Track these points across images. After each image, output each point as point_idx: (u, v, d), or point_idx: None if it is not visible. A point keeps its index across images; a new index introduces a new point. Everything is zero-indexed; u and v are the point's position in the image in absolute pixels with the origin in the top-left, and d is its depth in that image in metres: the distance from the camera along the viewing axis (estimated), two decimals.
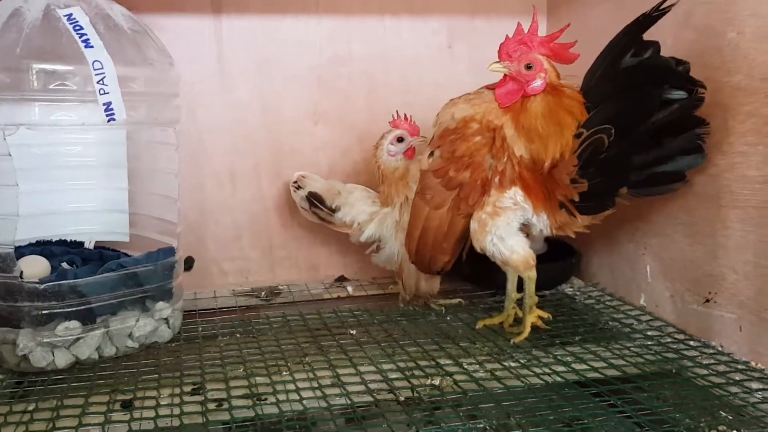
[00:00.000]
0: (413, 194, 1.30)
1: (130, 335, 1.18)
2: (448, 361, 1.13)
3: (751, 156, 1.07)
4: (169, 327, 1.23)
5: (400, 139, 1.39)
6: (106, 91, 1.09)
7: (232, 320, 1.36)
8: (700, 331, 1.20)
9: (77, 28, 1.10)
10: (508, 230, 1.21)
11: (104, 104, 1.09)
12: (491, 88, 1.22)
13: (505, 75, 1.18)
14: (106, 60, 1.10)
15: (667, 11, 1.07)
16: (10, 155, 1.09)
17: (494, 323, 1.30)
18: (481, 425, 0.93)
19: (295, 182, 1.48)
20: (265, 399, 1.01)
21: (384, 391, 1.04)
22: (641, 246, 1.34)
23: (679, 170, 1.12)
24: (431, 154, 1.27)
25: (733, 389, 1.01)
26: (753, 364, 1.08)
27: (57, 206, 1.35)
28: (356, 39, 1.58)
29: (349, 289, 1.56)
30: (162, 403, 1.00)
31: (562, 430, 0.91)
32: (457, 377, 1.07)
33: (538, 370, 1.09)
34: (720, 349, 1.15)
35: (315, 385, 1.05)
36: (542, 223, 1.22)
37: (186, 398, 1.02)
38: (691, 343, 1.18)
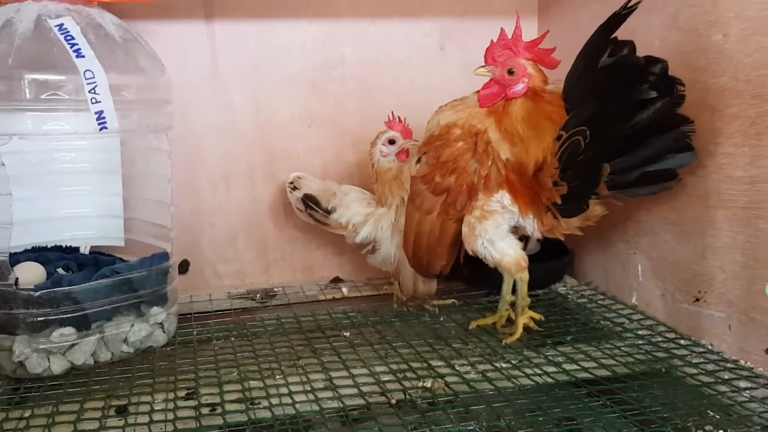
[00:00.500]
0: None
1: (125, 340, 1.19)
2: (440, 363, 1.14)
3: (737, 157, 1.08)
4: (164, 331, 1.25)
5: (392, 141, 1.39)
6: (97, 100, 1.10)
7: (227, 323, 1.37)
8: (691, 329, 1.21)
9: (68, 38, 1.11)
10: (498, 233, 1.22)
11: (96, 113, 1.10)
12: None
13: (490, 78, 1.19)
14: (97, 69, 1.10)
15: (634, 9, 1.03)
16: (3, 165, 1.10)
17: (487, 324, 1.31)
18: (472, 427, 0.94)
19: (291, 183, 1.48)
20: (258, 403, 1.02)
21: (376, 393, 1.04)
22: (632, 245, 1.35)
23: (671, 169, 1.11)
24: (419, 160, 1.28)
25: (722, 388, 1.02)
26: (742, 362, 1.09)
27: (52, 212, 1.36)
28: (348, 42, 1.59)
29: (344, 290, 1.57)
30: (156, 408, 1.01)
31: (553, 431, 0.92)
32: (449, 379, 1.08)
33: (529, 371, 1.10)
34: (710, 347, 1.16)
35: (308, 388, 1.06)
36: (531, 226, 1.22)
37: (180, 403, 1.02)
38: (682, 341, 1.19)
